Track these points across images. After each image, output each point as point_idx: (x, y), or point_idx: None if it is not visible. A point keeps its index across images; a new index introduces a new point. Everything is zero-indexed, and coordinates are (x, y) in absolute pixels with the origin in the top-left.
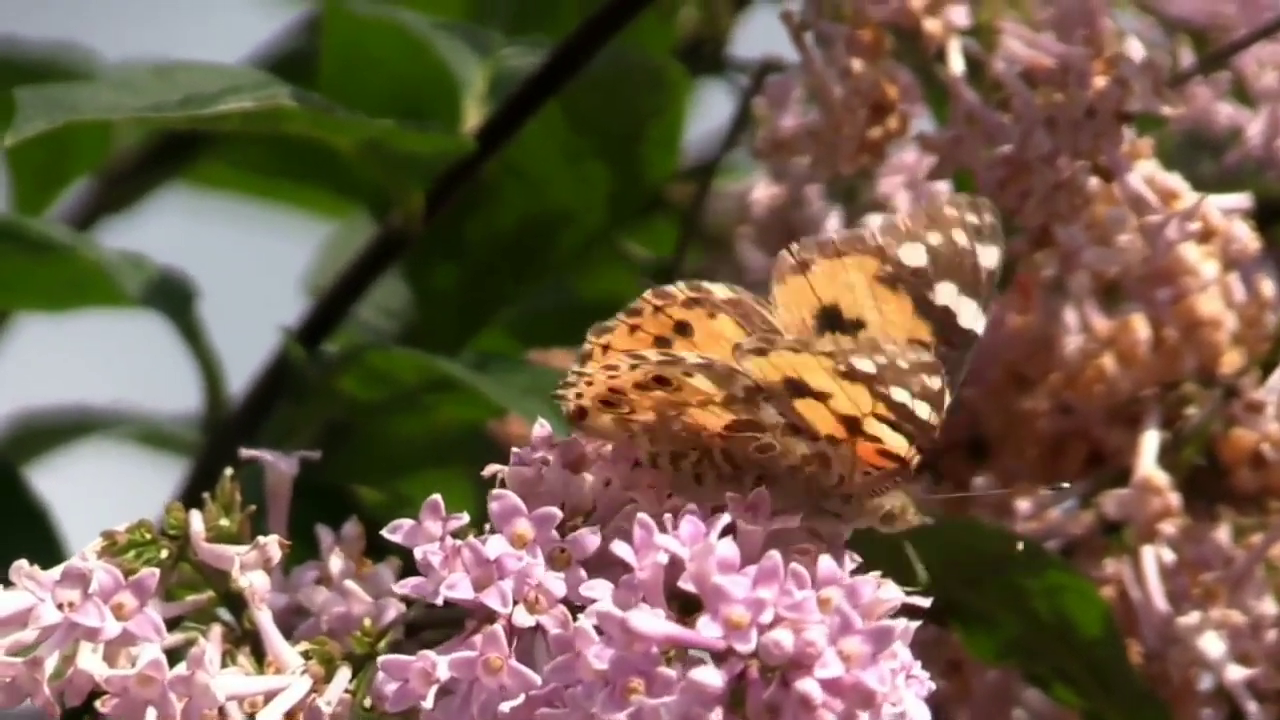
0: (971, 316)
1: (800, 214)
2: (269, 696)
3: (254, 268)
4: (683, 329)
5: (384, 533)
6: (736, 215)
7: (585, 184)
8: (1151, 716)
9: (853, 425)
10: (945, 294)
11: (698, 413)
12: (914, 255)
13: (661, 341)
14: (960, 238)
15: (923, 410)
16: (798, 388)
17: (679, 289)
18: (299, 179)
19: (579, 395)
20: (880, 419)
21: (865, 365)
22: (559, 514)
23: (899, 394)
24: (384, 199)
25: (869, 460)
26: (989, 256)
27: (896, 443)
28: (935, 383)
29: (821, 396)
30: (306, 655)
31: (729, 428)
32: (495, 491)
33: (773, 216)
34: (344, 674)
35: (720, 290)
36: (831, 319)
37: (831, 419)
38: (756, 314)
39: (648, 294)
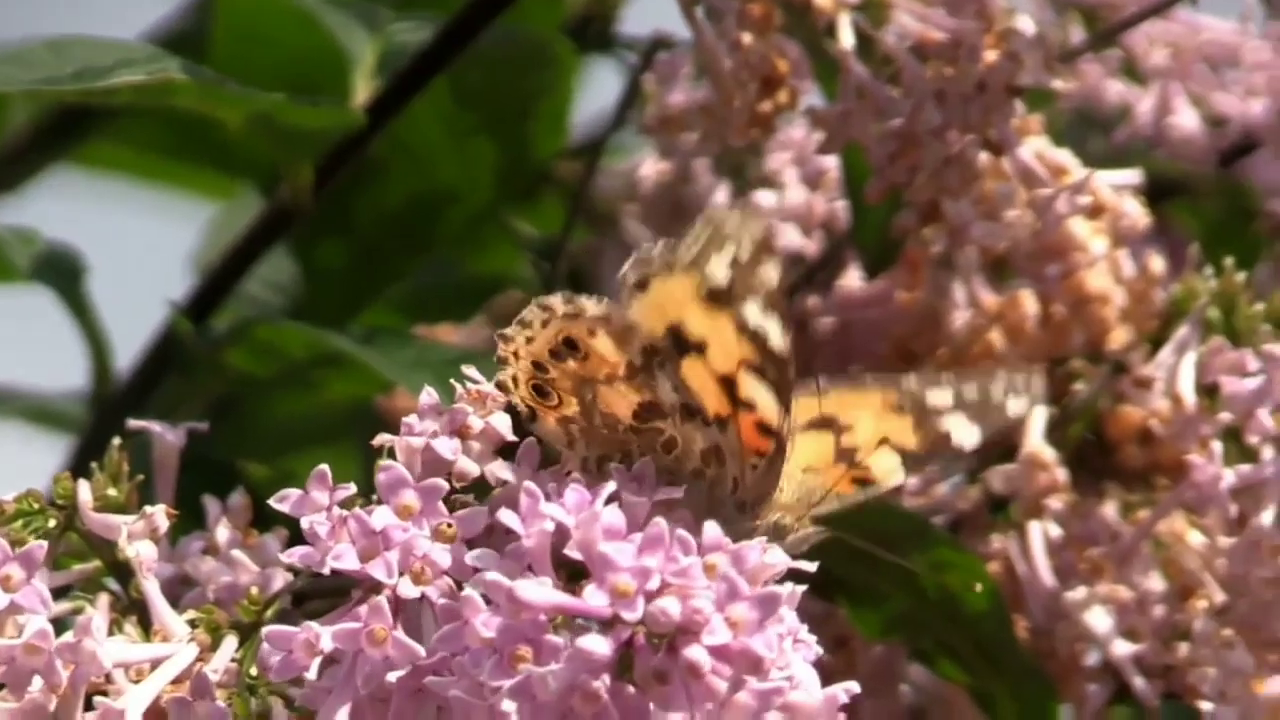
0: (775, 335)
1: (688, 190)
2: (155, 664)
3: (142, 249)
4: (571, 345)
5: (271, 502)
6: (624, 193)
7: (472, 161)
8: (1037, 691)
9: (730, 389)
10: (752, 313)
11: (607, 393)
12: (719, 271)
13: (554, 354)
14: (997, 392)
15: (775, 333)
16: (680, 339)
17: (558, 301)
18: (187, 160)
19: (514, 378)
20: (748, 367)
21: (718, 274)
22: (445, 486)
23: (752, 314)
24: (272, 176)
25: (751, 443)
26: (1017, 406)
27: (766, 403)
28: (772, 274)
29: (700, 348)
30: (193, 624)
31: (636, 416)
32: (382, 463)
33: (660, 193)
34: (230, 642)
35: (591, 306)
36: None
37: (714, 387)
38: (632, 333)
39: (533, 305)
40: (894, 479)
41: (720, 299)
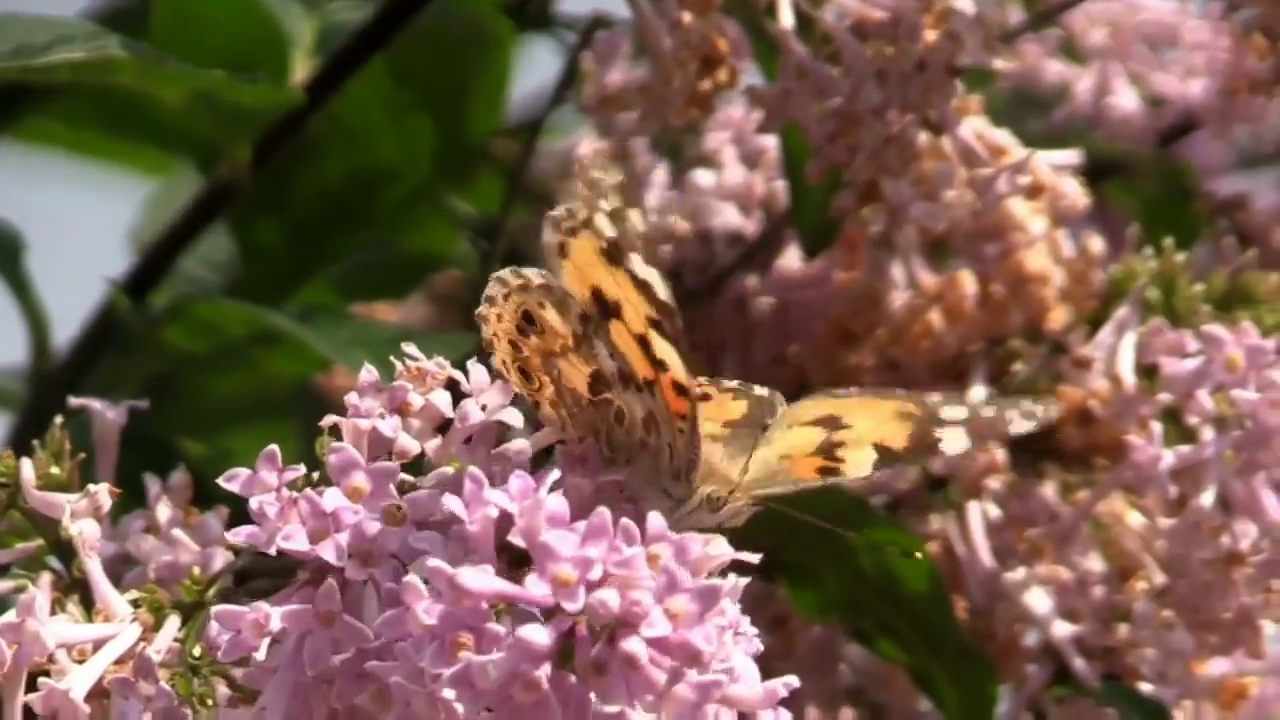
0: (659, 285)
1: (626, 169)
2: (98, 644)
3: (81, 226)
4: (529, 319)
5: (219, 481)
6: (562, 172)
7: (410, 139)
8: (977, 672)
9: (647, 349)
10: (638, 265)
11: (566, 367)
12: (606, 225)
13: (520, 331)
14: (1012, 414)
15: (658, 284)
16: (601, 302)
17: (508, 274)
18: (126, 137)
19: (504, 362)
20: (652, 324)
21: (605, 226)
22: (397, 468)
23: (639, 268)
24: (210, 153)
25: (673, 405)
26: (1021, 427)
27: (675, 362)
28: (636, 223)
29: (617, 310)
30: (135, 603)
31: (591, 389)
32: (333, 444)
33: None
34: (173, 622)
35: (535, 277)
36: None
37: (636, 349)
38: (570, 301)
39: (492, 281)
40: (860, 473)
41: (614, 255)
